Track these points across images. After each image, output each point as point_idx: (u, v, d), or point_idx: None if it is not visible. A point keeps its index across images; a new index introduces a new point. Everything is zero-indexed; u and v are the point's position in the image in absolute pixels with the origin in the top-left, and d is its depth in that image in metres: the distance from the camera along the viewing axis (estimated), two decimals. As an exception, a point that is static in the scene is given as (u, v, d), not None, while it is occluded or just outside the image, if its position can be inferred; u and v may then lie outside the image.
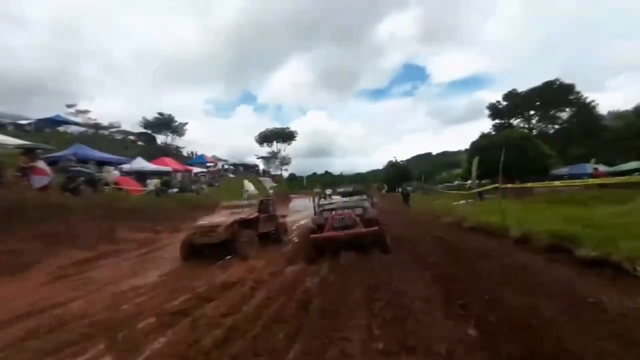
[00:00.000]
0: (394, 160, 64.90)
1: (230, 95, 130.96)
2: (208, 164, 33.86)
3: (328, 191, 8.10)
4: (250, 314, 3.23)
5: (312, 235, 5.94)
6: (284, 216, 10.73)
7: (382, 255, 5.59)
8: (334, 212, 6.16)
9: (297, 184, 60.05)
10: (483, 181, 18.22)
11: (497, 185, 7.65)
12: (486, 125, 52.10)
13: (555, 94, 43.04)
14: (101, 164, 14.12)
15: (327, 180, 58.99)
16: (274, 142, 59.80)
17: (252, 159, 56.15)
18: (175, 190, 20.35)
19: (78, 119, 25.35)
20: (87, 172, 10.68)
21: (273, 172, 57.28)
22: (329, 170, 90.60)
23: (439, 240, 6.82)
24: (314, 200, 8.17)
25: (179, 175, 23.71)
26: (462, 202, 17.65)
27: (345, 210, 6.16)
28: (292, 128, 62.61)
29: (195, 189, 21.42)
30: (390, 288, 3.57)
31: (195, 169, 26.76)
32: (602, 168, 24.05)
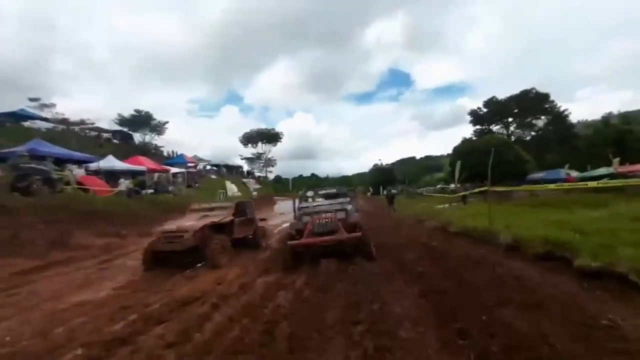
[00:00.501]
0: (379, 163, 65.34)
1: (216, 95, 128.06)
2: (188, 164, 32.48)
3: (309, 193, 7.56)
4: (202, 343, 2.62)
5: (289, 242, 5.37)
6: (263, 219, 10.10)
7: (366, 264, 5.10)
8: (314, 216, 5.63)
9: (282, 186, 58.66)
10: (465, 185, 18.33)
11: (486, 187, 7.37)
12: (468, 131, 53.65)
13: (531, 102, 44.89)
14: (62, 161, 12.91)
15: (313, 183, 58.17)
16: (259, 143, 58.64)
17: (237, 160, 54.79)
18: (150, 191, 19.24)
19: (44, 113, 23.45)
20: (41, 169, 9.59)
21: (258, 173, 56.14)
22: (316, 173, 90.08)
23: (425, 246, 6.43)
24: (294, 203, 7.61)
25: (155, 176, 22.52)
26: (445, 205, 17.58)
27: (326, 214, 5.64)
28: (279, 130, 61.44)
29: (172, 190, 20.28)
30: (374, 306, 3.07)
31: (174, 169, 25.43)
32: (574, 174, 24.95)
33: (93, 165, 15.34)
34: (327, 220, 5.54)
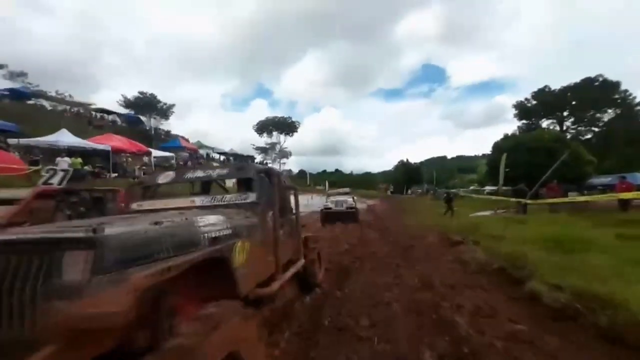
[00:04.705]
0: (405, 160, 58.69)
1: (247, 90, 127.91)
2: (184, 149, 29.44)
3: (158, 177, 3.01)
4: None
5: None
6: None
7: None
8: None
9: (303, 182, 52.72)
10: (519, 186, 12.98)
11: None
12: (508, 128, 46.12)
13: (595, 93, 36.47)
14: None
15: (334, 179, 52.56)
16: (274, 133, 54.64)
17: (251, 151, 51.62)
18: (115, 175, 16.33)
19: (15, 83, 21.05)
20: None
21: (270, 164, 52.51)
22: (340, 169, 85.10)
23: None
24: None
25: (145, 158, 20.01)
26: (486, 213, 12.54)
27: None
28: (305, 123, 56.76)
29: (137, 175, 16.95)
30: None
31: (157, 153, 22.20)
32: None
33: (16, 139, 12.05)
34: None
